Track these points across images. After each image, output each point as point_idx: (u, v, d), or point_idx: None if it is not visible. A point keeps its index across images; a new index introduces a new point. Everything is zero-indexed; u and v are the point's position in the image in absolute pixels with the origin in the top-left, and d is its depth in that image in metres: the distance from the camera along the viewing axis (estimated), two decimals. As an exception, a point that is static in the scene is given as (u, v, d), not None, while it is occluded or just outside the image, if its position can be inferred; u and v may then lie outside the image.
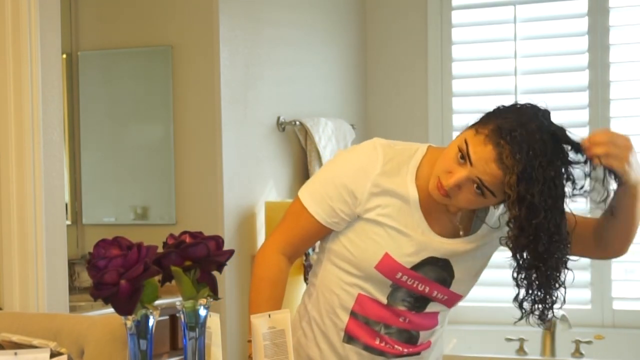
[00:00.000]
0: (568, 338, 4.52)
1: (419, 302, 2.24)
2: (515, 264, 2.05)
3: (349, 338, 2.27)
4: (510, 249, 2.05)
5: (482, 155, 1.99)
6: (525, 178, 1.94)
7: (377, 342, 2.25)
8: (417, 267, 2.20)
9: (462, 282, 2.25)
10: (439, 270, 2.22)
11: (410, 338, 2.26)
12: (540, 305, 2.08)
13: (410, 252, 2.18)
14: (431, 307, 2.26)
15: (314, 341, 2.31)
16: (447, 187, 2.05)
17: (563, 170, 1.99)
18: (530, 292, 2.05)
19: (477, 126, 2.04)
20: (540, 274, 2.03)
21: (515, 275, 2.06)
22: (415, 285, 2.21)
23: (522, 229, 1.98)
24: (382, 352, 2.26)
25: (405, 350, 2.26)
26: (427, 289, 2.22)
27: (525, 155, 1.94)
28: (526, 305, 2.08)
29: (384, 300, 2.23)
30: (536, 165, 1.94)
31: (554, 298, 2.09)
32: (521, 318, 2.11)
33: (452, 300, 2.26)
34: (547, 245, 1.99)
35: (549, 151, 1.96)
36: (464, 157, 2.02)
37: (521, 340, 4.51)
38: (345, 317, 2.26)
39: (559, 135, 2.00)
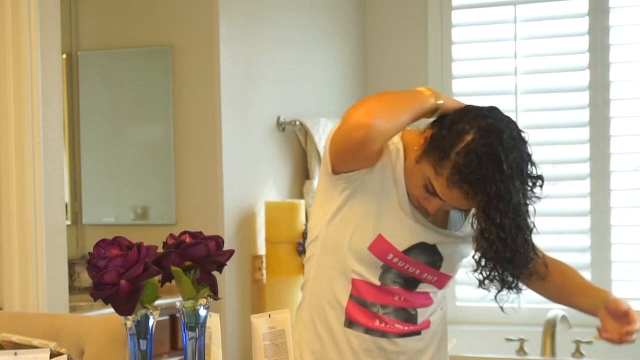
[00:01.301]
0: (568, 338, 4.52)
1: (410, 282, 2.27)
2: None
3: (350, 322, 2.29)
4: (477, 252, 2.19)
5: (450, 197, 2.13)
6: (493, 207, 2.07)
7: (377, 323, 2.27)
8: (407, 250, 2.24)
9: (451, 263, 2.31)
10: (429, 254, 2.27)
11: (408, 317, 2.28)
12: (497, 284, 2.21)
13: (403, 234, 2.23)
14: (422, 288, 2.29)
15: (314, 331, 2.32)
16: (429, 209, 2.20)
17: (526, 185, 2.13)
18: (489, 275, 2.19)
19: (435, 162, 2.11)
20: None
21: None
22: (405, 268, 2.25)
23: (489, 240, 2.12)
24: (383, 332, 2.28)
25: (406, 328, 2.28)
26: (417, 271, 2.26)
27: (487, 192, 2.06)
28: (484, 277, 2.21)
29: (377, 282, 2.26)
30: (499, 199, 2.07)
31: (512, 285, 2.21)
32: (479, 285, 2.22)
33: (441, 281, 2.31)
34: (512, 254, 2.13)
35: (512, 178, 2.07)
36: (433, 193, 2.15)
37: (521, 341, 4.51)
38: (344, 301, 2.29)
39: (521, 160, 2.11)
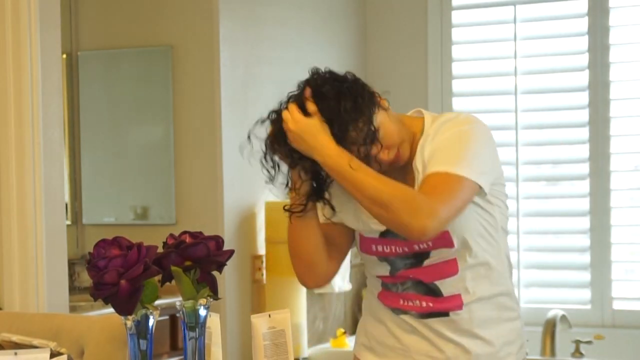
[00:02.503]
0: (568, 338, 4.52)
1: (417, 258, 2.23)
2: None
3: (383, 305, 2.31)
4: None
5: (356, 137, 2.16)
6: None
7: (401, 302, 2.26)
8: (384, 234, 2.23)
9: None
10: None
11: (429, 290, 2.24)
12: None
13: (372, 221, 2.21)
14: (435, 256, 2.22)
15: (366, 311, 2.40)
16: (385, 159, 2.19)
17: None
18: None
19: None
20: None
21: None
22: (394, 250, 2.23)
23: None
24: (405, 310, 2.26)
25: (431, 304, 2.23)
26: (406, 249, 2.22)
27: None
28: None
29: (387, 273, 2.26)
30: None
31: None
32: None
33: (441, 239, 2.20)
34: None
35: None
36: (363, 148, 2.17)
37: (521, 340, 4.51)
38: (378, 289, 2.32)
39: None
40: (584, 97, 4.93)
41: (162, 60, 4.32)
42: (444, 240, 2.20)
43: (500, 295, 2.28)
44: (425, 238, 2.11)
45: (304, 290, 4.44)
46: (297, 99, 2.22)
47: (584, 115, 4.92)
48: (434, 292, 2.23)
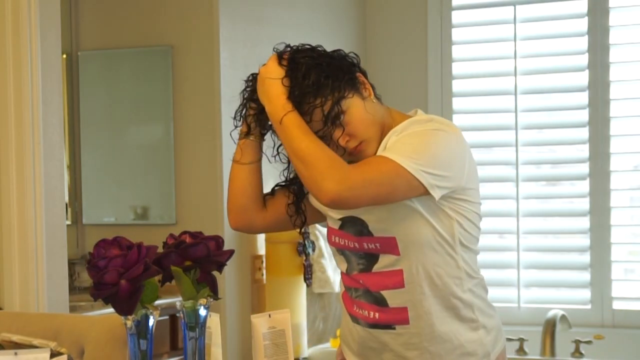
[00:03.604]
0: (568, 338, 4.52)
1: (368, 260, 2.22)
2: None
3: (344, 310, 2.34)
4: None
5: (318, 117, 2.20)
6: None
7: (355, 308, 2.27)
8: (342, 226, 2.24)
9: (379, 222, 2.19)
10: (355, 225, 2.21)
11: (377, 300, 2.22)
12: None
13: (332, 214, 2.25)
14: (382, 262, 2.20)
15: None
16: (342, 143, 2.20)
17: None
18: None
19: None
20: None
21: None
22: (347, 244, 2.24)
23: None
24: (357, 318, 2.26)
25: (377, 315, 2.22)
26: (356, 245, 2.22)
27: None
28: None
29: (345, 270, 2.27)
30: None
31: None
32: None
33: (387, 245, 2.19)
34: None
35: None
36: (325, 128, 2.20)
37: (521, 340, 4.51)
38: (342, 290, 2.34)
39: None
40: (584, 97, 4.93)
41: (162, 60, 4.33)
42: (389, 245, 2.18)
43: (454, 309, 2.22)
44: (334, 204, 2.09)
45: (304, 290, 4.44)
46: (280, 54, 2.37)
47: (584, 115, 4.92)
48: (381, 302, 2.21)
